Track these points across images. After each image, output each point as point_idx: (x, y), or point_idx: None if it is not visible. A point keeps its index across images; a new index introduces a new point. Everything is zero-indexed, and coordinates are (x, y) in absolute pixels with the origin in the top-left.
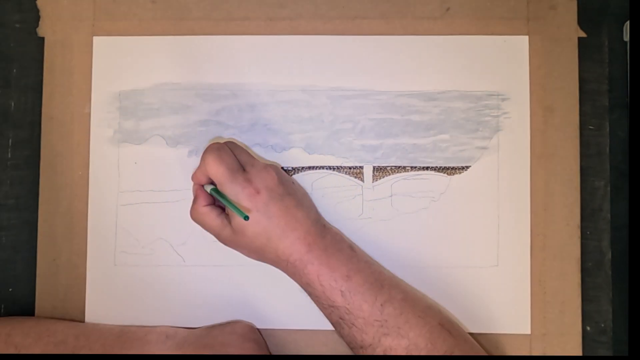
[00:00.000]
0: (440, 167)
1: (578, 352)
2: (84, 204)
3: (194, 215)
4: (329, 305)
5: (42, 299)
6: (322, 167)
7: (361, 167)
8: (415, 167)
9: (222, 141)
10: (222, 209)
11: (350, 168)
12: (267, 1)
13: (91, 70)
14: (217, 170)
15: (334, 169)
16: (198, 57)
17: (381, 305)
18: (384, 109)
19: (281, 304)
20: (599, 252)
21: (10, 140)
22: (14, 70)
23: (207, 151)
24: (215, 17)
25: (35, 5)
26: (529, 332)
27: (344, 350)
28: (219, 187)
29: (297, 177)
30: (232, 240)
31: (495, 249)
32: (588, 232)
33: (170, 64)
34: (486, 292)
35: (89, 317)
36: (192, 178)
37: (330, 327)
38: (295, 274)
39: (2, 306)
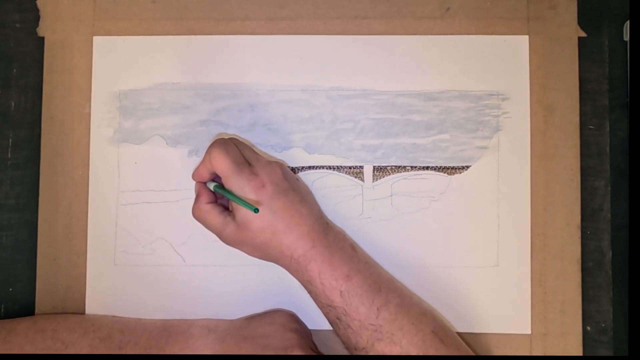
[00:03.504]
0: (440, 167)
1: (578, 352)
2: (84, 204)
3: (196, 213)
4: (327, 304)
5: (42, 299)
6: (322, 167)
7: (361, 167)
8: (415, 167)
9: (226, 137)
10: (225, 207)
11: (350, 168)
12: (267, 1)
13: (91, 70)
14: (223, 163)
15: (334, 168)
16: (198, 57)
17: (377, 309)
18: (384, 109)
19: (281, 304)
20: (599, 252)
21: (10, 140)
22: (14, 70)
23: (212, 145)
24: (215, 17)
25: (35, 5)
26: (529, 332)
27: (343, 350)
28: (224, 181)
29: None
30: (236, 237)
31: (495, 249)
32: (588, 232)
33: (170, 64)
34: (486, 292)
35: None
36: (193, 176)
37: (328, 327)
38: (298, 270)
39: (2, 306)
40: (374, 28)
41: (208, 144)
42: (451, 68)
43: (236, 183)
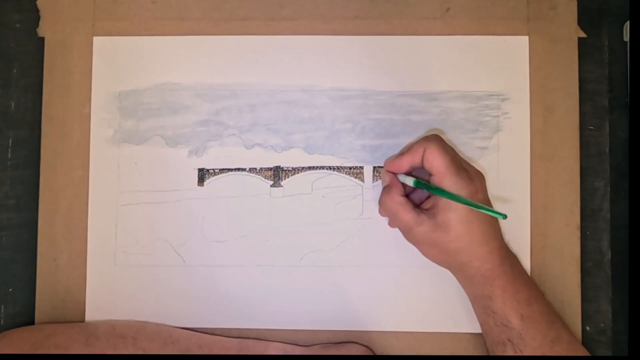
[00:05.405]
0: None
1: None
2: (84, 204)
3: (389, 204)
4: (502, 323)
5: (42, 299)
6: (322, 167)
7: (361, 167)
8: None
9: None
10: (415, 204)
11: (350, 168)
12: (267, 1)
13: (91, 70)
14: (442, 162)
15: (334, 169)
16: (198, 57)
17: (551, 341)
18: (384, 109)
19: (280, 304)
20: (598, 252)
21: (10, 141)
22: (14, 70)
23: (429, 140)
24: (215, 17)
25: (35, 5)
26: None
27: None
28: (437, 179)
29: (297, 177)
30: (428, 237)
31: None
32: (588, 232)
33: (170, 64)
34: None
35: (89, 317)
36: (389, 166)
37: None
38: (480, 284)
39: (2, 306)
40: (374, 28)
41: (208, 144)
42: (451, 68)
43: (454, 184)
